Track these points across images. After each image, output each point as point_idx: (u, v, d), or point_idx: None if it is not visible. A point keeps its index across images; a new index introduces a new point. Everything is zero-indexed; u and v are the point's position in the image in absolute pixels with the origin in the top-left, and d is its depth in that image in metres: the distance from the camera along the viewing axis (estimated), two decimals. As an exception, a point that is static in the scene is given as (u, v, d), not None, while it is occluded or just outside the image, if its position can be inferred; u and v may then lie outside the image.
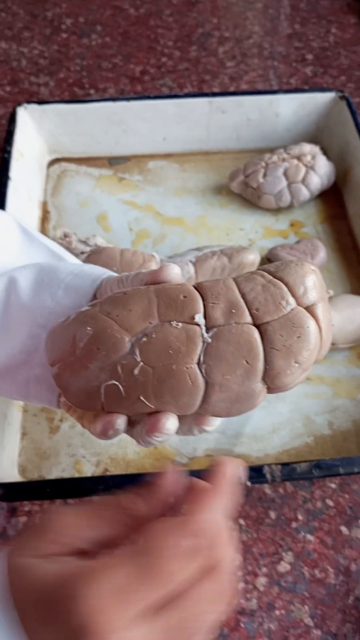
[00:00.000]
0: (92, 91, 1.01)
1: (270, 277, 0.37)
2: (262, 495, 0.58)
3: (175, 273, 0.39)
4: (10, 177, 0.72)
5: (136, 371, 0.34)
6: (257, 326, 0.35)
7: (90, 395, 0.35)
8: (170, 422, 0.35)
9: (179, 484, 0.31)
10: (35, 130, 0.84)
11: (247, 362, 0.34)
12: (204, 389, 0.34)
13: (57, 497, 0.51)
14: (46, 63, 1.06)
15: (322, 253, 0.74)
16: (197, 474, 0.49)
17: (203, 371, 0.34)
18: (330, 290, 0.71)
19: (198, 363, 0.34)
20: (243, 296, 0.36)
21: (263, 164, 0.81)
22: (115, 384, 0.34)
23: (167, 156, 0.90)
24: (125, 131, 0.86)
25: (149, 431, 0.35)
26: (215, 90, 1.02)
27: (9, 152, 0.75)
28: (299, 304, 0.36)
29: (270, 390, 0.36)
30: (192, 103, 0.84)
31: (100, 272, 0.43)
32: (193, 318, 0.35)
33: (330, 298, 0.68)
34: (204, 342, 0.34)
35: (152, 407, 0.35)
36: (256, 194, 0.81)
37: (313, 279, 0.36)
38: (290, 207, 0.82)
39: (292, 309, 0.35)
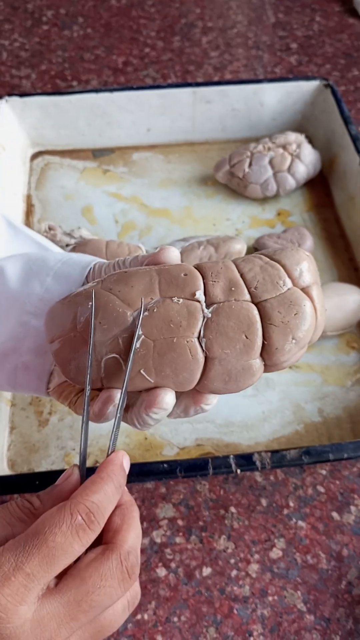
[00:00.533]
0: (74, 83, 1.00)
1: (268, 259, 0.38)
2: (253, 483, 0.58)
3: (175, 255, 0.39)
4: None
5: (137, 344, 0.34)
6: (256, 304, 0.36)
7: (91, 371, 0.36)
8: (169, 397, 0.35)
9: (73, 480, 0.33)
10: (17, 123, 0.83)
11: (246, 336, 0.35)
12: (204, 363, 0.35)
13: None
14: (27, 55, 1.05)
15: (309, 241, 0.74)
16: (185, 463, 0.49)
17: (203, 345, 0.35)
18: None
19: (198, 337, 0.35)
20: (242, 276, 0.37)
21: (248, 153, 0.80)
22: (115, 357, 0.35)
23: (151, 147, 0.89)
24: (109, 123, 0.86)
25: (147, 407, 0.35)
26: (200, 80, 1.01)
27: (-9, 145, 0.74)
28: (295, 285, 0.37)
29: (267, 367, 0.36)
30: (176, 93, 0.83)
31: (89, 260, 0.43)
32: (194, 294, 0.36)
33: (317, 286, 0.68)
34: (204, 317, 0.35)
35: (152, 381, 0.35)
36: (242, 183, 0.80)
37: (308, 263, 0.38)
38: (276, 196, 0.82)
39: (289, 289, 0.36)
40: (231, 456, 0.50)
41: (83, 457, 0.33)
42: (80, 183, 0.84)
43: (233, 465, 0.49)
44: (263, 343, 0.35)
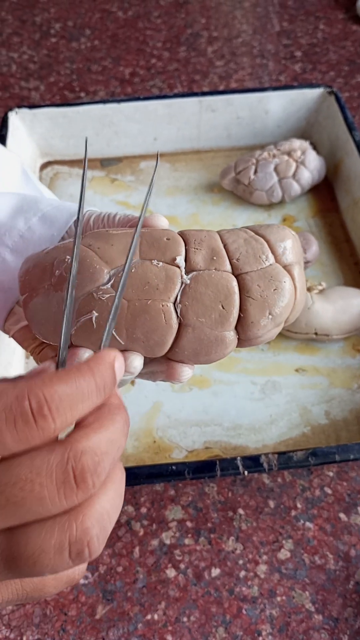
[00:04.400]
0: (82, 94, 1.02)
1: (253, 234, 0.37)
2: (261, 485, 0.58)
3: (164, 223, 0.39)
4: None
5: (110, 303, 0.34)
6: (236, 275, 0.35)
7: (59, 327, 0.34)
8: (137, 361, 0.34)
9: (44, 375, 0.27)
10: (27, 134, 0.85)
11: (222, 306, 0.34)
12: (177, 330, 0.34)
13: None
14: (36, 67, 1.07)
15: (315, 246, 0.75)
16: (194, 465, 0.50)
17: (178, 311, 0.34)
18: (323, 282, 0.72)
19: (174, 303, 0.34)
20: (225, 246, 0.36)
21: (254, 160, 0.82)
22: (88, 315, 0.34)
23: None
24: (117, 133, 0.87)
25: None
26: (205, 89, 1.02)
27: (1, 156, 0.76)
28: (277, 261, 0.36)
29: (240, 342, 0.36)
30: (182, 103, 0.85)
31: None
32: (174, 260, 0.35)
33: (323, 290, 0.69)
34: (182, 283, 0.34)
35: (122, 343, 0.34)
36: (248, 190, 0.82)
37: (292, 241, 0.37)
38: (282, 202, 0.83)
39: (271, 264, 0.36)
40: (238, 458, 0.51)
41: (64, 354, 0.28)
42: (88, 192, 0.86)
43: (240, 467, 0.50)
44: (239, 315, 0.35)
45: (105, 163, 0.90)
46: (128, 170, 0.89)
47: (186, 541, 0.55)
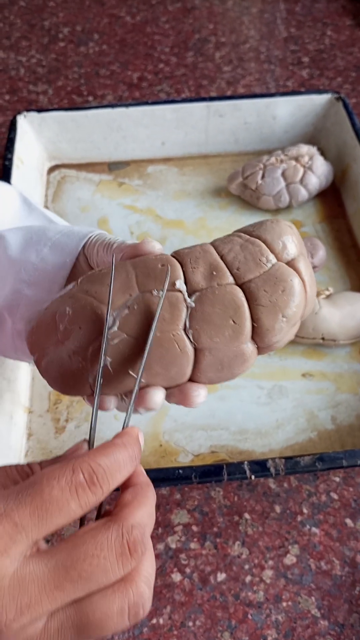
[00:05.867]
0: (90, 98, 1.02)
1: (248, 237, 0.36)
2: (267, 490, 0.58)
3: (157, 248, 0.38)
4: (12, 184, 0.74)
5: (121, 345, 0.33)
6: (240, 285, 0.34)
7: (77, 379, 0.34)
8: (158, 396, 0.34)
9: (80, 453, 0.30)
10: (35, 137, 0.85)
11: (234, 321, 0.33)
12: (194, 355, 0.33)
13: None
14: (44, 71, 1.08)
15: (322, 252, 0.75)
16: (200, 469, 0.50)
17: (190, 337, 0.33)
18: (330, 287, 0.72)
19: (184, 329, 0.33)
20: (222, 258, 0.35)
21: (261, 165, 0.82)
22: (103, 361, 0.33)
23: (166, 160, 0.91)
24: (124, 137, 0.88)
25: (136, 405, 0.35)
26: (213, 94, 1.03)
27: (10, 160, 0.76)
28: (279, 260, 0.35)
29: (260, 350, 0.35)
30: (190, 108, 0.85)
31: (87, 231, 0.44)
32: (174, 285, 0.34)
33: (330, 295, 0.69)
34: (187, 307, 0.33)
35: (143, 381, 0.33)
36: (255, 195, 0.82)
37: (290, 234, 0.36)
38: (289, 207, 0.83)
39: (273, 265, 0.34)
40: (245, 462, 0.51)
41: (93, 434, 0.31)
42: (96, 195, 0.86)
43: (247, 472, 0.50)
44: (253, 325, 0.33)
45: (113, 167, 0.90)
46: (136, 174, 0.89)
47: (192, 545, 0.55)
